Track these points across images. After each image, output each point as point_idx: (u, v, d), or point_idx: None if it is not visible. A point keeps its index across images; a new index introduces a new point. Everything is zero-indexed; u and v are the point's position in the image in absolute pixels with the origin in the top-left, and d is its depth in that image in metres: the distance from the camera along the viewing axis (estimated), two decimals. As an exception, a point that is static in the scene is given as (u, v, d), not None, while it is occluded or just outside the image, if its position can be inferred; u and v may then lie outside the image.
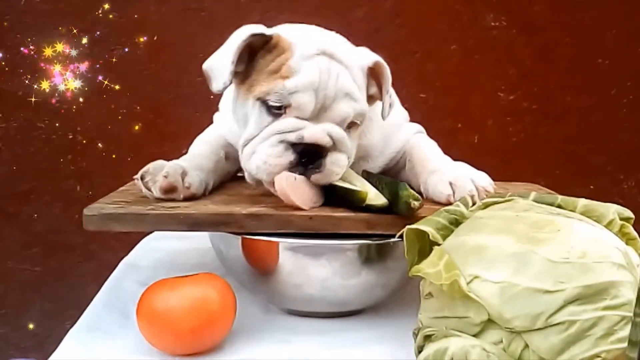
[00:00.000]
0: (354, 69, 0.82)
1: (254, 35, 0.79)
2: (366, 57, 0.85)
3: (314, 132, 0.77)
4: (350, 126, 0.82)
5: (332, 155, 0.79)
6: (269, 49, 0.80)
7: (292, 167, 0.77)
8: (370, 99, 0.87)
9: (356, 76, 0.82)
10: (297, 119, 0.78)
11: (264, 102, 0.79)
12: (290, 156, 0.77)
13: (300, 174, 0.78)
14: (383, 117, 0.87)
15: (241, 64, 0.81)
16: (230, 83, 0.79)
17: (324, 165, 0.78)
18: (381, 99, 0.86)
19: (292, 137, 0.77)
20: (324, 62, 0.79)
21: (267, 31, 0.81)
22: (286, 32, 0.82)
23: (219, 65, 0.79)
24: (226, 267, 0.85)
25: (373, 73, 0.85)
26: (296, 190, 0.76)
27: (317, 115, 0.79)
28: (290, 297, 0.80)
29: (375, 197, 0.77)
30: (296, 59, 0.78)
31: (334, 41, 0.84)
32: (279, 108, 0.78)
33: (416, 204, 0.72)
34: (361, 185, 0.81)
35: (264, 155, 0.78)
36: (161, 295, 0.69)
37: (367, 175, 0.90)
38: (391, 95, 0.87)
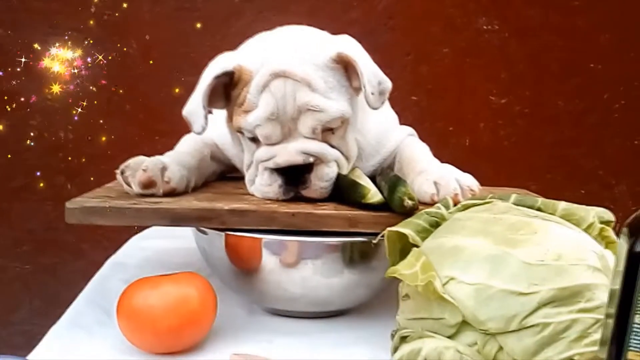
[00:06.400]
0: (313, 75, 0.80)
1: (217, 77, 0.82)
2: (328, 51, 0.82)
3: (286, 158, 0.81)
4: (331, 130, 0.83)
5: (317, 170, 0.83)
6: (235, 82, 0.83)
7: (283, 189, 0.82)
8: (358, 90, 0.85)
9: (317, 82, 0.80)
10: (269, 146, 0.82)
11: (241, 133, 0.84)
12: (277, 181, 0.82)
13: (293, 193, 0.82)
14: (369, 106, 0.83)
15: (219, 102, 0.86)
16: (207, 125, 0.83)
17: (309, 180, 0.82)
18: (362, 87, 0.82)
19: (270, 165, 0.82)
20: (278, 87, 0.80)
21: (230, 66, 0.82)
22: (250, 54, 0.84)
23: (194, 111, 0.83)
24: (210, 267, 0.85)
25: (345, 65, 0.83)
26: None
27: (289, 134, 0.82)
28: (272, 295, 0.80)
29: (373, 194, 0.77)
30: (253, 92, 0.81)
31: (291, 53, 0.82)
32: (253, 139, 0.83)
33: (409, 202, 0.72)
34: (364, 183, 0.81)
35: (259, 185, 0.84)
36: (141, 293, 0.69)
37: (379, 171, 0.93)
38: (381, 82, 0.83)
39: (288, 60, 0.80)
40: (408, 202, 0.72)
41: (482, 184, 0.85)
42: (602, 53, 1.58)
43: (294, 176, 0.82)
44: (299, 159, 0.81)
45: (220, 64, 0.84)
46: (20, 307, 1.65)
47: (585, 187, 1.63)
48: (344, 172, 0.85)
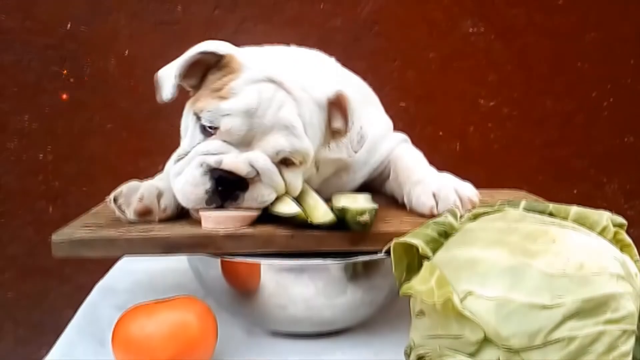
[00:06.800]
0: (307, 103, 0.78)
1: (203, 53, 0.78)
2: (328, 89, 0.80)
3: (235, 160, 0.74)
4: (288, 163, 0.78)
5: (254, 189, 0.75)
6: (220, 67, 0.78)
7: (209, 197, 0.74)
8: (336, 133, 0.84)
9: (307, 111, 0.78)
10: (225, 142, 0.75)
11: (198, 118, 0.76)
12: (206, 184, 0.74)
13: (217, 205, 0.74)
14: (355, 151, 0.85)
15: (193, 79, 0.80)
16: (174, 95, 0.77)
17: (242, 199, 0.75)
18: (347, 132, 0.82)
19: (211, 160, 0.74)
20: (268, 89, 0.76)
21: (222, 50, 0.78)
22: (246, 53, 0.80)
23: (167, 76, 0.77)
24: (205, 289, 0.81)
25: (336, 106, 0.81)
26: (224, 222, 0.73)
27: (250, 142, 0.76)
28: (273, 318, 0.76)
29: (323, 214, 0.73)
30: (240, 82, 0.75)
31: (294, 70, 0.80)
32: (211, 128, 0.76)
33: (363, 217, 0.69)
34: (313, 202, 0.79)
35: (183, 180, 0.75)
36: (137, 321, 0.66)
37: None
38: (362, 128, 0.83)
39: (291, 76, 0.78)
40: (360, 218, 0.70)
41: (475, 188, 0.84)
42: (588, 52, 1.58)
43: (226, 187, 0.74)
44: (243, 170, 0.74)
45: (213, 45, 0.79)
46: (4, 337, 1.59)
47: (577, 187, 1.62)
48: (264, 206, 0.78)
